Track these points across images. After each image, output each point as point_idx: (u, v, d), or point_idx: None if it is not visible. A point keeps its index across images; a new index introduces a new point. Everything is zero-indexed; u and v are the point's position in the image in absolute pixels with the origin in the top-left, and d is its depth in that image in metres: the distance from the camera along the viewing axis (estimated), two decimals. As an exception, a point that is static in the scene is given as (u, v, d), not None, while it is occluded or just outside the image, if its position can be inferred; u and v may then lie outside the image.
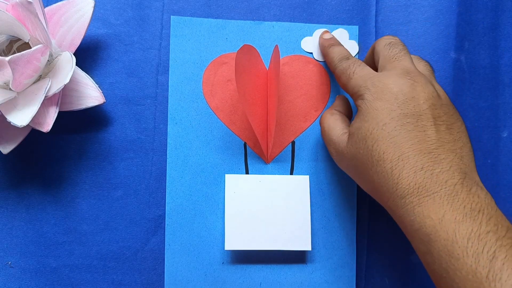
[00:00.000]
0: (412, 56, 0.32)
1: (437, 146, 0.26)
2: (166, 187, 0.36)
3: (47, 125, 0.31)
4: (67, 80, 0.30)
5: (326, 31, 0.38)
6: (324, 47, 0.36)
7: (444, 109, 0.28)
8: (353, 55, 0.38)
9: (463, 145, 0.27)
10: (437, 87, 0.30)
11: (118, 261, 0.36)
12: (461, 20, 0.38)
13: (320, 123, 0.34)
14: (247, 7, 0.37)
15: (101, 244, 0.36)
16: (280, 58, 0.37)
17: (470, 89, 0.38)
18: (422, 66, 0.32)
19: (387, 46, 0.32)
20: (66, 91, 0.33)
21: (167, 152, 0.36)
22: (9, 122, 0.29)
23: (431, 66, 0.33)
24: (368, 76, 0.30)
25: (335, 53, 0.34)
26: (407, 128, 0.27)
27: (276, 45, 0.34)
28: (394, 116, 0.27)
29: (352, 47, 0.38)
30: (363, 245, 0.37)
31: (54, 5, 0.34)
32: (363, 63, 0.32)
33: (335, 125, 0.32)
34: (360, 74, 0.30)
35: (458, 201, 0.24)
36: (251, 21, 0.37)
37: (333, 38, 0.37)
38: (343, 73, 0.32)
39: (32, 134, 0.33)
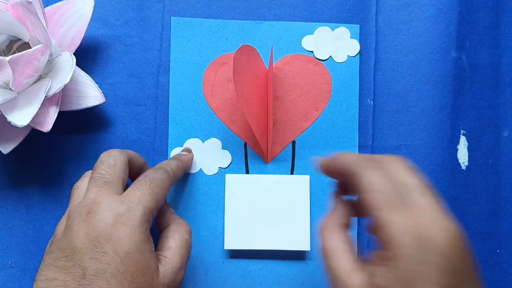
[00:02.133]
0: None
1: None
2: (167, 187, 0.36)
3: (47, 125, 0.31)
4: (67, 80, 0.30)
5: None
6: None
7: None
8: (354, 54, 0.37)
9: None
10: None
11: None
12: (462, 19, 0.38)
13: (322, 245, 0.25)
14: (247, 7, 0.37)
15: (102, 245, 0.36)
16: (281, 58, 0.37)
17: (471, 88, 0.38)
18: None
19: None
20: (66, 91, 0.33)
21: (168, 152, 0.36)
22: (9, 122, 0.29)
23: None
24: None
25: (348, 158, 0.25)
26: None
27: (272, 46, 0.34)
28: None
29: (353, 46, 0.37)
30: (363, 245, 0.37)
31: (54, 5, 0.34)
32: None
33: (343, 257, 0.24)
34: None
35: None
36: (252, 21, 0.37)
37: None
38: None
39: (32, 134, 0.33)
